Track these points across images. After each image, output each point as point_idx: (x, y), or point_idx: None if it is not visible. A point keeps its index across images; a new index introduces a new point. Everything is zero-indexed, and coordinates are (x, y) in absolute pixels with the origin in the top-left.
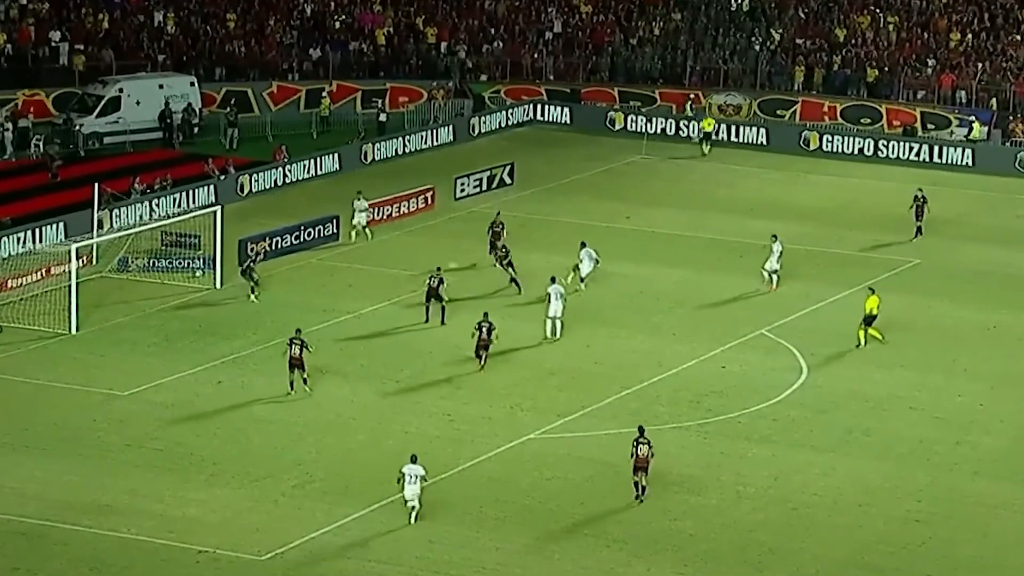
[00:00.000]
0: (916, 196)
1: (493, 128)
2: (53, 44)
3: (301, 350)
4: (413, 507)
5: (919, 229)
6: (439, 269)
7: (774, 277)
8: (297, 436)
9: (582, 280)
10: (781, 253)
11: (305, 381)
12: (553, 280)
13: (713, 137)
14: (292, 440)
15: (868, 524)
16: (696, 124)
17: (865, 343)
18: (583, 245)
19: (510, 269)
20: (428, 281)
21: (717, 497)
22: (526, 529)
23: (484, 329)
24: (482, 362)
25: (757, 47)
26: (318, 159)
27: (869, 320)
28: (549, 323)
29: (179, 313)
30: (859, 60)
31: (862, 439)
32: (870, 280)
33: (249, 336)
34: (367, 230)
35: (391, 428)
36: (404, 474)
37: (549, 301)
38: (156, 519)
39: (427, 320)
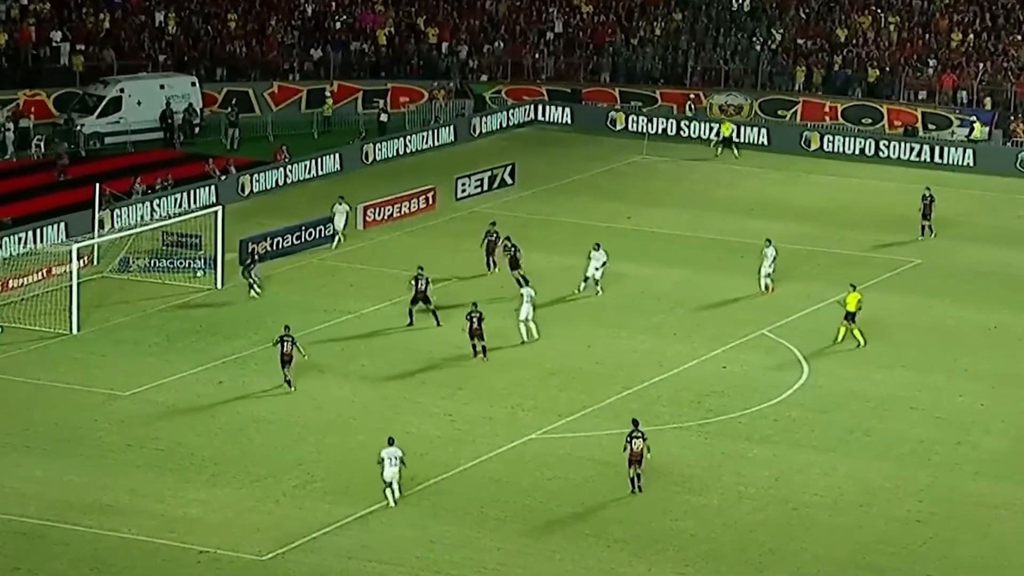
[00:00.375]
0: (924, 195)
1: (494, 128)
2: (54, 44)
3: (292, 346)
4: (393, 489)
5: (929, 228)
6: (422, 268)
7: (768, 282)
8: (298, 436)
9: (586, 280)
10: (775, 257)
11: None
12: (527, 283)
13: (734, 139)
14: (293, 440)
15: (869, 524)
16: (714, 127)
17: (862, 340)
18: (597, 246)
19: (517, 271)
20: (414, 284)
21: (718, 497)
22: (527, 529)
23: (475, 319)
24: (478, 352)
25: (758, 47)
26: (319, 159)
27: (850, 316)
28: (522, 327)
29: (180, 313)
30: (860, 60)
31: (863, 439)
32: (871, 280)
33: (250, 336)
34: (339, 238)
35: (392, 428)
36: (384, 457)
37: (521, 304)
38: (157, 519)
39: (411, 323)
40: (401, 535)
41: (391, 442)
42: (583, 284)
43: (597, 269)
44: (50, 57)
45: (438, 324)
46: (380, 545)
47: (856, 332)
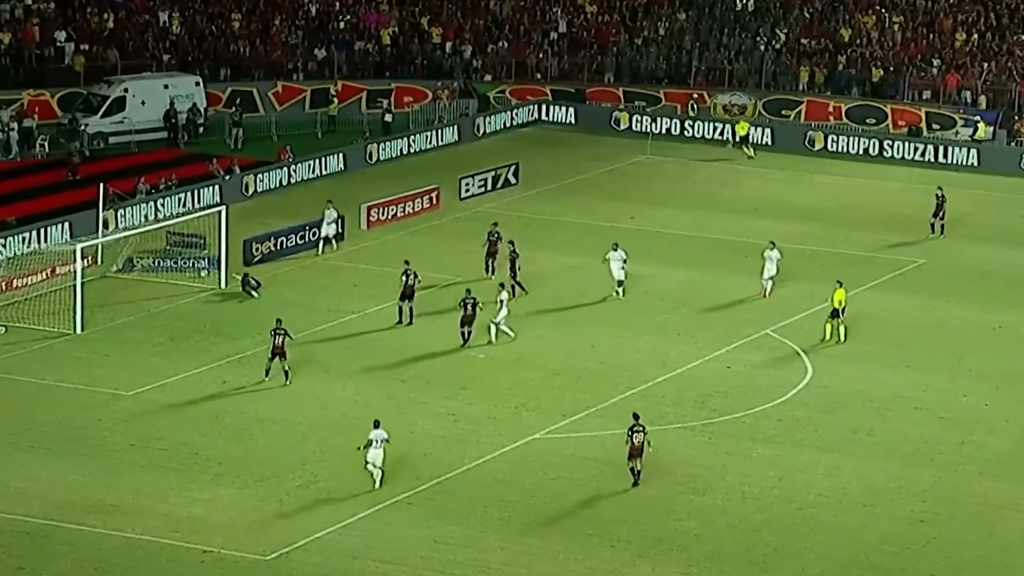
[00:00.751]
0: (937, 195)
1: (498, 128)
2: (58, 44)
3: (283, 339)
4: (376, 470)
5: (942, 227)
6: (408, 263)
7: (769, 283)
8: (302, 436)
9: (620, 283)
10: (779, 260)
11: (286, 373)
12: (502, 287)
13: (739, 138)
14: (297, 440)
15: (873, 524)
16: (718, 127)
17: (830, 337)
18: (615, 247)
19: (513, 278)
20: (405, 279)
21: (722, 497)
22: (530, 529)
23: (469, 305)
24: (466, 339)
25: (762, 47)
26: (323, 159)
27: (835, 313)
28: (493, 328)
29: (184, 313)
30: (864, 60)
31: (867, 439)
32: (875, 280)
33: (254, 336)
34: (334, 240)
35: (396, 428)
36: (370, 439)
37: (499, 308)
38: (161, 519)
39: (400, 321)
40: (405, 535)
41: (376, 424)
42: (620, 289)
43: (621, 268)
44: (54, 57)
45: (402, 322)
46: (384, 545)
47: (828, 328)
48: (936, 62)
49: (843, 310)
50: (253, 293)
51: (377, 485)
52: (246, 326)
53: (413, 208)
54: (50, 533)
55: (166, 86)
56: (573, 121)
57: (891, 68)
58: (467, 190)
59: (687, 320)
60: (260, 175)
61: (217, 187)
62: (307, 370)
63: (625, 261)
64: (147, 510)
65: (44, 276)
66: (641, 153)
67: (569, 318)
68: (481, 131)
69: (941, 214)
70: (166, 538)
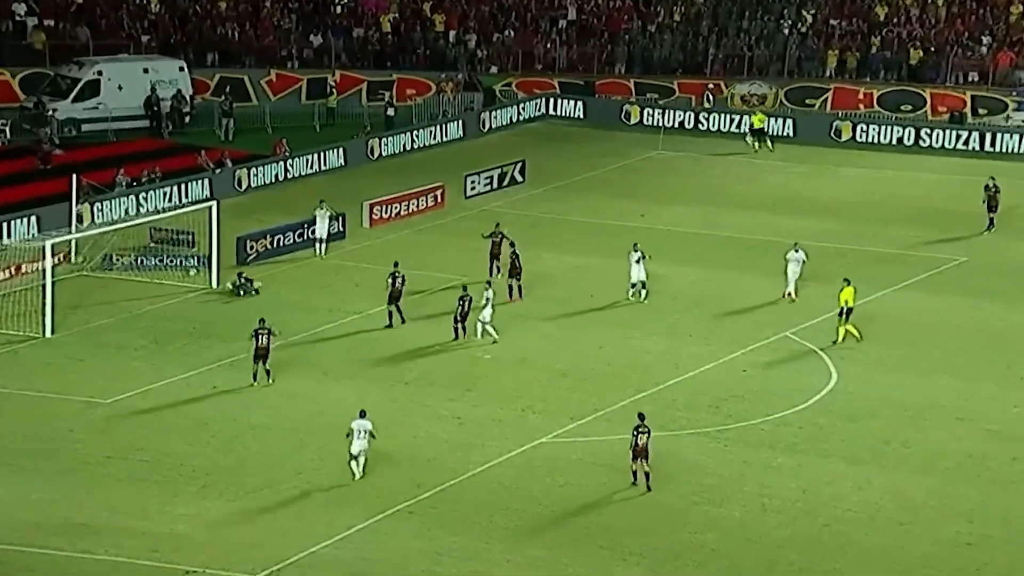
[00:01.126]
0: (987, 186)
1: (504, 123)
2: (18, 18)
3: (268, 339)
4: (360, 461)
5: (991, 221)
6: (397, 265)
7: (791, 288)
8: (299, 443)
9: (643, 285)
10: (803, 262)
11: (268, 373)
12: (488, 284)
13: (754, 131)
14: (293, 447)
15: (911, 545)
16: (735, 119)
17: (843, 339)
18: (635, 247)
19: (514, 279)
20: (393, 282)
21: (740, 509)
22: (538, 540)
23: (466, 303)
24: (461, 334)
25: (786, 30)
26: (322, 153)
27: (845, 313)
28: (479, 326)
29: (170, 314)
30: (901, 41)
31: (901, 451)
32: (908, 280)
33: (248, 338)
34: (325, 242)
35: (399, 432)
36: (352, 429)
37: (484, 306)
38: (139, 537)
39: (390, 325)
40: (407, 547)
41: (363, 414)
42: (643, 291)
43: (640, 268)
44: (13, 32)
45: (401, 322)
46: (384, 558)
47: (841, 330)
48: (986, 39)
49: (851, 310)
50: (240, 291)
51: (356, 476)
52: (239, 328)
53: (417, 206)
54: (10, 560)
55: (146, 70)
56: (582, 116)
57: (932, 49)
58: (473, 188)
59: (700, 321)
60: (254, 169)
61: (207, 181)
62: (306, 373)
63: (641, 259)
64: (123, 528)
65: (8, 274)
66: (652, 148)
67: (576, 318)
68: (487, 127)
69: (994, 206)
70: (144, 559)
